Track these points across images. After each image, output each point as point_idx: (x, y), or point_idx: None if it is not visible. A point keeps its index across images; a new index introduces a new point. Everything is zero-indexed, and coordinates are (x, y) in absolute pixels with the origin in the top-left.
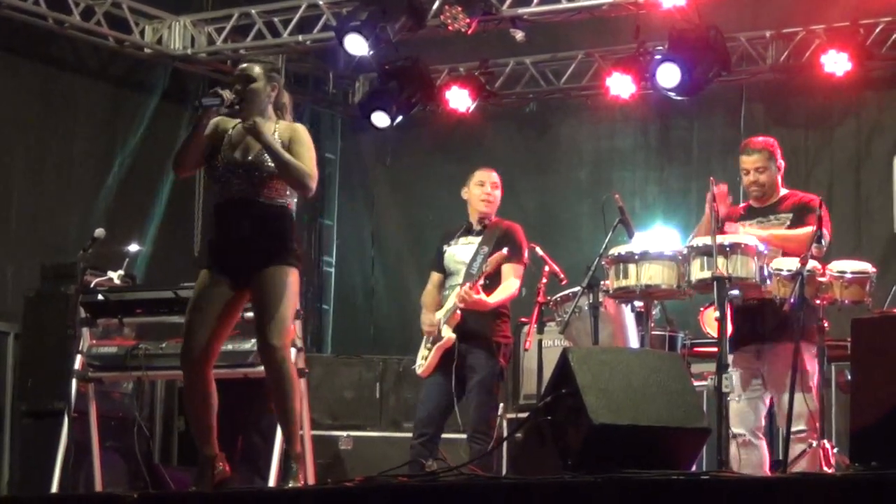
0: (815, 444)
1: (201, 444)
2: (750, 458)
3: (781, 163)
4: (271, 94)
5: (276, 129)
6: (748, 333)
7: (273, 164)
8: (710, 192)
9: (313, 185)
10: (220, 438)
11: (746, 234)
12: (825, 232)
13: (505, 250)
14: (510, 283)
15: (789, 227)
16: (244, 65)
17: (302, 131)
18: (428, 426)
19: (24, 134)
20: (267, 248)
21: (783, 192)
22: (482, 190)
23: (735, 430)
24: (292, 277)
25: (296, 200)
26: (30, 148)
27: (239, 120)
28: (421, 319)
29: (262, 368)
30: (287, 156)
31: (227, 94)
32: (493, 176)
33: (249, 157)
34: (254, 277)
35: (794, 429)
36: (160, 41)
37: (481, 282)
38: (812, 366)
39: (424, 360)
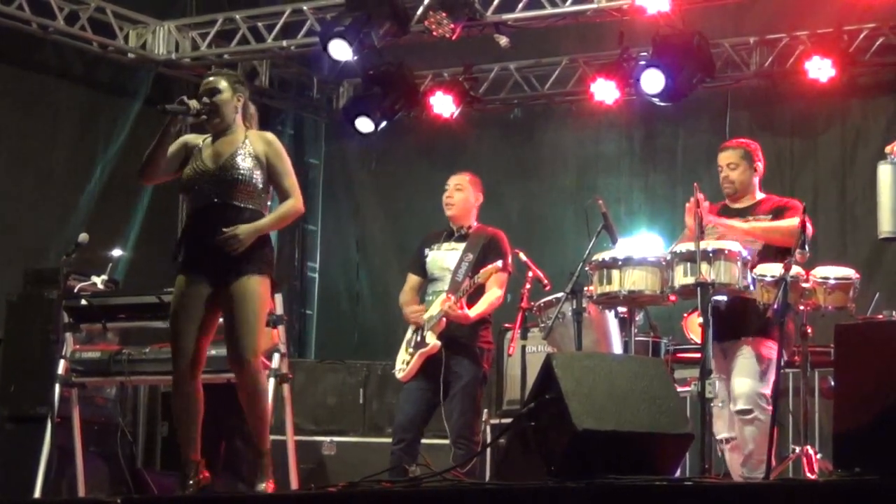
0: (763, 418)
1: (185, 449)
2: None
3: (760, 165)
4: (237, 105)
5: (247, 138)
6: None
7: (242, 169)
8: (694, 198)
9: (301, 205)
10: (204, 444)
11: (730, 226)
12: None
13: (499, 263)
14: (493, 293)
15: None
16: (210, 77)
17: (276, 143)
18: (407, 431)
19: (5, 138)
20: (239, 256)
21: (760, 195)
22: (444, 195)
23: (720, 435)
24: (262, 286)
25: (269, 204)
26: (11, 152)
27: (208, 136)
28: (405, 314)
29: None
30: (280, 219)
31: (193, 104)
32: (456, 178)
33: (221, 163)
34: (225, 286)
35: (735, 408)
36: (144, 46)
37: (466, 289)
38: (769, 354)
39: (406, 364)
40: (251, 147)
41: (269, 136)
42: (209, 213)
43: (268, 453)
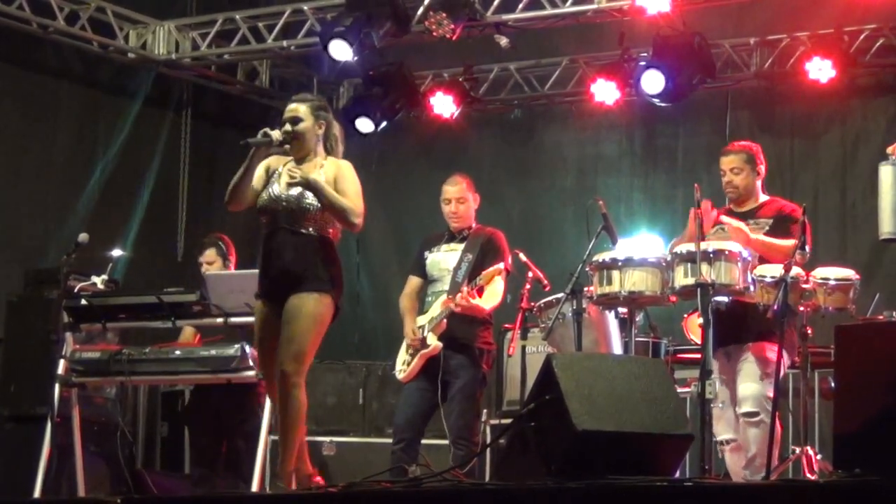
0: (768, 420)
1: (289, 459)
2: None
3: (762, 168)
4: (319, 132)
5: (323, 167)
6: (717, 337)
7: (310, 198)
8: (696, 203)
9: (358, 220)
10: (206, 443)
11: (739, 228)
12: (807, 241)
13: (500, 265)
14: (497, 289)
15: (768, 233)
16: (292, 105)
17: (346, 168)
18: (407, 431)
19: (5, 138)
20: (298, 274)
21: (764, 197)
22: (448, 208)
23: (720, 437)
24: (320, 305)
25: (339, 228)
26: (11, 152)
27: (290, 159)
28: (404, 331)
29: (245, 374)
30: (333, 197)
31: (276, 134)
32: (456, 190)
33: (292, 192)
34: (287, 302)
35: (741, 411)
36: (144, 46)
37: (468, 287)
38: (773, 357)
39: (406, 365)
40: (325, 174)
41: (343, 162)
42: (279, 239)
43: (287, 476)
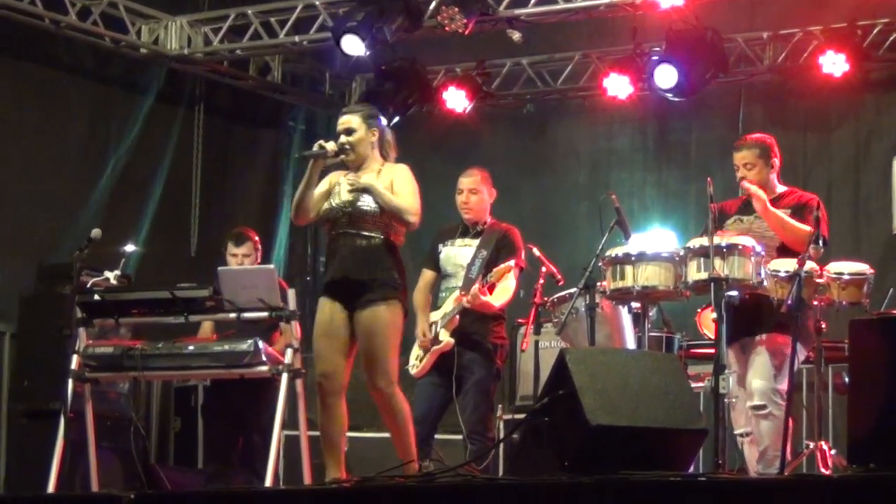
0: (777, 413)
1: (331, 466)
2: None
3: (776, 161)
4: (373, 140)
5: (381, 172)
6: (732, 330)
7: (372, 203)
8: (709, 197)
9: (414, 218)
10: (222, 439)
11: (755, 192)
12: (822, 234)
13: (511, 262)
14: (509, 285)
15: None
16: (344, 116)
17: (403, 171)
18: (420, 426)
19: (18, 134)
20: (364, 281)
21: (781, 188)
22: (460, 198)
23: (738, 430)
24: (390, 313)
25: (401, 232)
26: (24, 148)
27: (349, 170)
28: (416, 330)
29: (259, 369)
30: (388, 198)
31: (331, 146)
32: (470, 181)
33: (350, 198)
34: (357, 312)
35: (750, 404)
36: (156, 41)
37: (480, 284)
38: (785, 350)
39: (419, 360)
40: (383, 180)
41: (399, 165)
42: (342, 243)
43: (409, 462)
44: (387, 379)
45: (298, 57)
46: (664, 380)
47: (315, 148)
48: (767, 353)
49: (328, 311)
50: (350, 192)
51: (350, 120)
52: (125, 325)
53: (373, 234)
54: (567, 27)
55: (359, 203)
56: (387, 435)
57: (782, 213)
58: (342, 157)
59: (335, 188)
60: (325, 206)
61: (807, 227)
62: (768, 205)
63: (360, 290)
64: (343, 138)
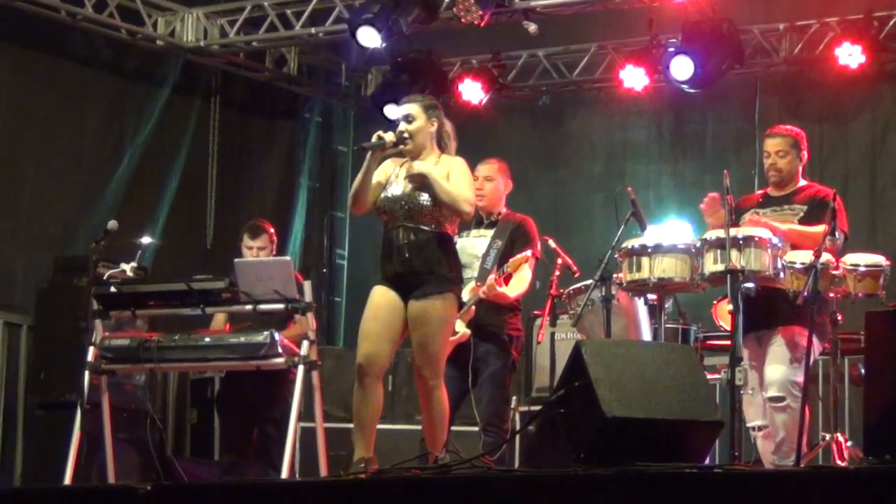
0: (795, 405)
1: (359, 446)
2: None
3: (805, 154)
4: (432, 130)
5: (438, 163)
6: (748, 322)
7: (427, 196)
8: (725, 189)
9: (468, 207)
10: (236, 430)
11: (766, 224)
12: (838, 226)
13: (528, 252)
14: (525, 276)
15: (802, 220)
16: (404, 105)
17: (459, 163)
18: None
19: (34, 126)
20: (420, 273)
21: (802, 182)
22: (475, 185)
23: (752, 423)
24: (443, 307)
25: (455, 223)
26: (40, 140)
27: (406, 159)
28: None
29: (274, 360)
30: (445, 189)
31: (389, 136)
32: (485, 168)
33: (408, 190)
34: (412, 302)
35: (767, 395)
36: (172, 33)
37: (495, 274)
38: (802, 342)
39: None
40: (440, 171)
41: (456, 158)
42: (399, 235)
43: (436, 455)
44: (433, 370)
45: (314, 49)
46: (680, 371)
47: (374, 139)
48: (785, 343)
49: (384, 296)
50: (407, 178)
51: (410, 108)
52: (142, 317)
53: (429, 228)
54: (583, 19)
55: (417, 197)
56: (400, 426)
57: (796, 226)
58: (401, 146)
59: (391, 178)
60: (382, 196)
61: (821, 228)
62: (780, 227)
63: (417, 282)
64: (403, 125)
